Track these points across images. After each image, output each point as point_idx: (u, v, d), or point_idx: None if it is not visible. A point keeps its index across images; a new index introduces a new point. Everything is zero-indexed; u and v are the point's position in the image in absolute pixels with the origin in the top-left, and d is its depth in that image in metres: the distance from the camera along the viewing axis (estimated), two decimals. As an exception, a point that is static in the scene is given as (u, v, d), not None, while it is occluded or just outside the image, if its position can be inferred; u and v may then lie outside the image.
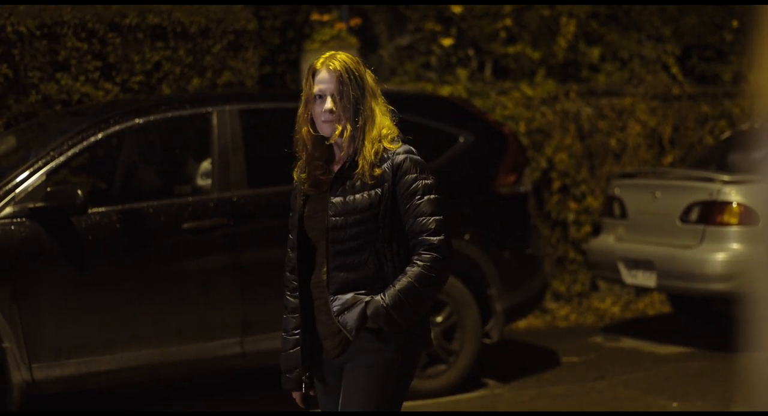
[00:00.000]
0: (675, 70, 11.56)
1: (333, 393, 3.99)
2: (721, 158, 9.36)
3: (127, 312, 6.61)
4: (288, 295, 4.06)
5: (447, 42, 11.05)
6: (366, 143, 3.84)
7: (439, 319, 7.45)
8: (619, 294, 10.66)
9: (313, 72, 3.89)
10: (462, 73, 10.84)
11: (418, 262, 3.81)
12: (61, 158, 6.63)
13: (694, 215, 8.60)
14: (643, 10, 11.74)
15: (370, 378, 3.85)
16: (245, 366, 6.99)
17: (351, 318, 3.82)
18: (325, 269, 3.88)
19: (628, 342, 9.12)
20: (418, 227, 3.83)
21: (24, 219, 6.41)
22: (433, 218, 3.83)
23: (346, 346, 3.88)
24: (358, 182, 3.85)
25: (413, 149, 3.91)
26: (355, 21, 10.78)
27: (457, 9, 11.04)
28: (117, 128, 6.87)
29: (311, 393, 4.09)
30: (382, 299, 3.79)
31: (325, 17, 10.41)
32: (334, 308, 3.85)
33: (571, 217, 10.56)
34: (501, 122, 9.03)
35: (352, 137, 3.86)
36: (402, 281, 3.80)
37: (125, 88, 8.73)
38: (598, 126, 10.81)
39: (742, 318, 2.59)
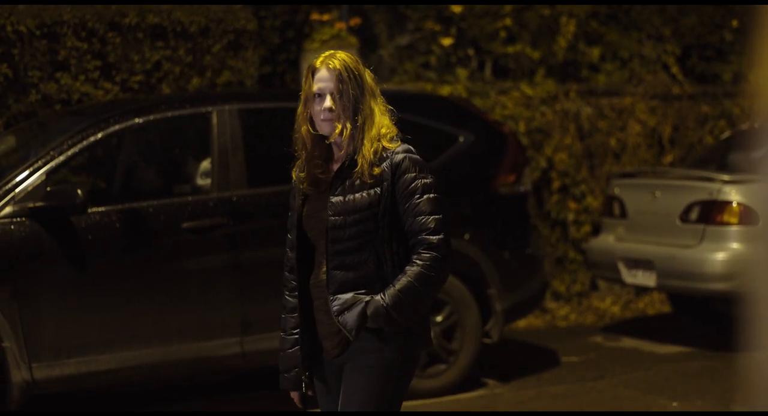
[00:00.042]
0: (675, 69, 11.56)
1: (333, 393, 3.99)
2: (721, 157, 9.36)
3: (126, 311, 6.62)
4: (287, 295, 4.06)
5: (447, 42, 11.05)
6: (365, 142, 3.84)
7: (439, 319, 7.45)
8: (618, 294, 10.66)
9: (313, 71, 3.89)
10: (462, 72, 10.84)
11: (418, 261, 3.81)
12: (61, 158, 6.63)
13: (694, 214, 8.60)
14: (643, 10, 11.74)
15: (370, 377, 3.85)
16: (245, 366, 6.99)
17: (351, 317, 3.82)
18: (324, 268, 3.88)
19: (628, 342, 9.12)
20: (418, 226, 3.83)
21: (24, 219, 6.41)
22: (432, 217, 3.83)
23: (345, 346, 3.87)
24: (358, 182, 3.84)
25: (412, 149, 3.91)
26: (355, 21, 10.78)
27: (457, 9, 11.04)
28: (117, 127, 6.87)
29: (309, 393, 4.08)
30: (382, 298, 3.79)
31: (325, 17, 10.41)
32: (334, 308, 3.85)
33: (570, 217, 10.56)
34: (501, 121, 9.03)
35: (352, 136, 3.86)
36: (402, 281, 3.80)
37: (125, 87, 8.73)
38: (598, 126, 10.81)
39: (742, 318, 2.58)
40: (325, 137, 3.90)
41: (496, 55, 11.30)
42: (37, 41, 8.38)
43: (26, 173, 6.52)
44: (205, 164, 7.24)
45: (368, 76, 3.92)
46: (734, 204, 8.36)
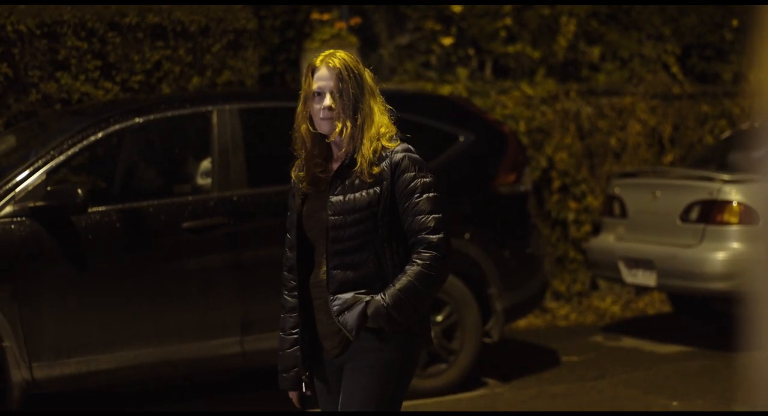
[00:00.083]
0: (675, 69, 11.57)
1: (333, 393, 3.98)
2: (721, 157, 9.36)
3: (127, 311, 6.62)
4: (286, 294, 4.06)
5: (447, 41, 11.05)
6: (365, 141, 3.84)
7: (439, 318, 7.45)
8: (619, 293, 10.66)
9: (313, 69, 3.89)
10: (462, 72, 10.83)
11: (418, 261, 3.81)
12: (61, 157, 6.63)
13: (694, 214, 8.60)
14: (643, 10, 11.74)
15: (370, 377, 3.85)
16: (245, 366, 6.99)
17: (351, 317, 3.82)
18: (324, 268, 3.88)
19: (628, 341, 9.12)
20: (417, 225, 3.83)
21: (24, 218, 6.41)
22: (432, 216, 3.82)
23: (346, 346, 3.87)
24: (357, 181, 3.84)
25: (411, 148, 3.91)
26: (355, 20, 10.78)
27: (457, 8, 11.04)
28: (117, 127, 6.87)
29: (308, 393, 4.08)
30: (382, 298, 3.79)
31: (325, 16, 10.41)
32: (334, 308, 3.84)
33: (571, 216, 10.56)
34: (501, 121, 9.03)
35: (352, 135, 3.86)
36: (402, 281, 3.79)
37: (125, 87, 8.73)
38: (598, 125, 10.81)
39: (742, 317, 2.59)
40: (324, 136, 3.90)
41: (497, 55, 11.30)
42: (38, 41, 8.38)
43: (26, 172, 6.52)
44: (206, 164, 7.24)
45: (368, 75, 3.92)
46: (734, 204, 8.36)
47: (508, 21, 11.17)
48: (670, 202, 8.82)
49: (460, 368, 7.51)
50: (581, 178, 10.62)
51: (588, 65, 11.53)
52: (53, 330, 6.42)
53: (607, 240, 9.32)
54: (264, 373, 7.04)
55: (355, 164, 3.84)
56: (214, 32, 9.11)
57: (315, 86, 3.86)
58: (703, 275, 8.46)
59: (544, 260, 8.46)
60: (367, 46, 10.89)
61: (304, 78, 3.92)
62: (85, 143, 6.72)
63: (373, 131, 3.86)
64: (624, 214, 9.25)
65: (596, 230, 10.18)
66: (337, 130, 3.84)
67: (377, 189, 3.83)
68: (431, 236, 3.81)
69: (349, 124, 3.84)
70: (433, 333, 7.18)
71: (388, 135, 3.89)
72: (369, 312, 3.79)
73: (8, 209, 6.41)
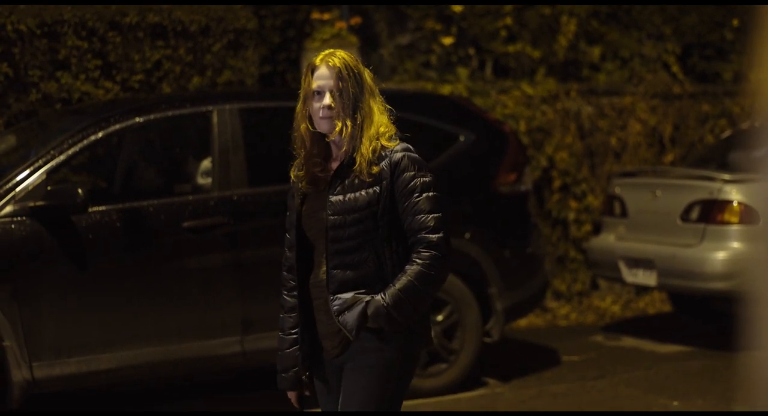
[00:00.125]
0: (675, 69, 11.56)
1: (333, 393, 3.98)
2: (721, 156, 9.36)
3: (127, 310, 6.62)
4: (285, 294, 4.05)
5: (447, 41, 11.05)
6: (364, 140, 3.83)
7: (439, 318, 7.45)
8: (619, 293, 10.66)
9: (312, 68, 3.89)
10: (462, 71, 10.83)
11: (418, 260, 3.80)
12: (62, 157, 6.63)
13: (694, 213, 8.60)
14: (644, 9, 11.74)
15: (370, 377, 3.84)
16: (245, 365, 6.99)
17: (351, 317, 3.82)
18: (324, 268, 3.87)
19: (628, 341, 9.12)
20: (417, 224, 3.82)
21: (24, 218, 6.41)
22: (431, 216, 3.82)
23: (346, 346, 3.87)
24: (357, 180, 3.84)
25: (411, 147, 3.90)
26: (356, 20, 10.78)
27: (457, 8, 11.03)
28: (117, 126, 6.87)
29: (307, 393, 4.08)
30: (382, 298, 3.78)
31: (326, 16, 10.41)
32: (334, 308, 3.84)
33: (571, 216, 10.56)
34: (501, 120, 9.02)
35: (351, 135, 3.85)
36: (402, 280, 3.79)
37: (125, 86, 8.73)
38: (599, 125, 10.81)
39: (742, 317, 2.58)
40: (324, 136, 3.90)
41: (497, 55, 11.30)
42: (38, 40, 8.38)
43: (27, 172, 6.52)
44: (206, 164, 7.24)
45: (367, 75, 3.92)
46: (735, 203, 8.36)
47: (509, 21, 11.17)
48: (670, 201, 8.82)
49: (460, 367, 7.51)
50: (582, 177, 10.62)
51: (588, 65, 11.53)
52: (53, 329, 6.42)
53: (608, 240, 9.32)
54: (264, 373, 7.03)
55: (355, 163, 3.83)
56: (214, 32, 9.11)
57: (315, 85, 3.86)
58: (703, 275, 8.46)
59: (545, 260, 8.46)
60: (367, 46, 10.89)
61: (303, 77, 3.91)
62: (85, 142, 6.72)
63: (373, 130, 3.85)
64: (624, 214, 9.25)
65: (597, 229, 10.18)
66: (337, 129, 3.84)
67: (377, 189, 3.82)
68: (431, 236, 3.81)
69: (348, 123, 3.84)
70: (433, 333, 7.19)
71: (387, 134, 3.89)
72: (369, 311, 3.79)
73: (8, 208, 6.41)
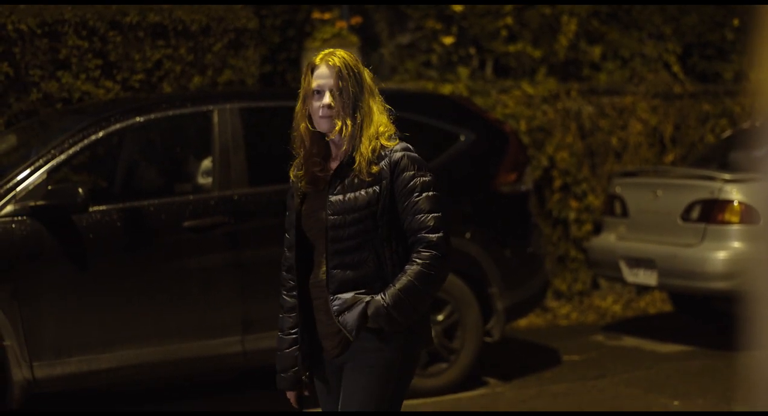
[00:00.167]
0: (676, 68, 11.56)
1: (333, 393, 3.98)
2: (722, 156, 9.36)
3: (127, 310, 6.62)
4: (284, 294, 4.05)
5: (448, 40, 11.05)
6: (363, 139, 3.83)
7: (440, 317, 7.45)
8: (620, 293, 10.66)
9: (312, 67, 3.88)
10: (463, 71, 10.83)
11: (418, 260, 3.80)
12: (62, 157, 6.63)
13: (695, 213, 8.60)
14: (644, 9, 11.74)
15: (370, 377, 3.84)
16: (246, 365, 6.99)
17: (351, 317, 3.81)
18: (324, 268, 3.87)
19: (629, 341, 9.12)
20: (417, 224, 3.82)
21: (25, 217, 6.41)
22: (431, 216, 3.82)
23: (346, 346, 3.86)
24: (356, 180, 3.83)
25: (410, 147, 3.90)
26: (356, 19, 10.78)
27: (458, 7, 11.03)
28: (118, 126, 6.87)
29: (306, 393, 4.07)
30: (382, 298, 3.78)
31: (326, 15, 10.41)
32: (334, 308, 3.84)
33: (572, 215, 10.56)
34: (502, 120, 9.03)
35: (351, 134, 3.85)
36: (402, 280, 3.79)
37: (126, 86, 8.73)
38: (600, 125, 10.81)
39: (743, 317, 2.58)
40: (323, 135, 3.90)
41: (497, 54, 11.30)
42: (38, 40, 8.38)
43: (27, 171, 6.52)
44: (206, 163, 7.24)
45: (367, 74, 3.92)
46: (735, 203, 8.36)
47: (509, 20, 11.17)
48: (671, 201, 8.82)
49: (460, 367, 7.51)
50: (582, 177, 10.62)
51: (589, 64, 11.53)
52: (54, 329, 6.42)
53: (608, 239, 9.32)
54: (265, 372, 7.03)
55: (354, 162, 3.83)
56: (215, 31, 9.11)
57: (314, 84, 3.86)
58: (704, 275, 8.46)
59: (545, 260, 8.46)
60: (367, 46, 10.89)
61: (303, 76, 3.91)
62: (86, 142, 6.72)
63: (372, 129, 3.85)
64: (625, 213, 9.24)
65: (597, 229, 10.18)
66: (337, 128, 3.84)
67: (376, 188, 3.82)
68: (431, 235, 3.80)
69: (348, 122, 3.83)
70: (434, 333, 7.21)
71: (387, 134, 3.88)
72: (369, 312, 3.79)
73: (9, 208, 6.41)
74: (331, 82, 3.84)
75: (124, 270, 6.64)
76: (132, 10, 8.76)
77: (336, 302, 3.83)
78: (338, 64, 3.85)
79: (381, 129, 3.87)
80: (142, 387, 7.68)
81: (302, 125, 3.91)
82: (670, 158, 11.02)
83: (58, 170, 6.69)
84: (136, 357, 6.61)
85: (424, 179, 3.84)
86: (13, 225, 6.39)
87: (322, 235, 3.86)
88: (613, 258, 9.16)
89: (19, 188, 6.45)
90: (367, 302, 3.80)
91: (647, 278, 8.85)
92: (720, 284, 8.41)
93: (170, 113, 7.10)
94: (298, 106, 3.93)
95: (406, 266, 3.81)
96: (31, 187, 6.47)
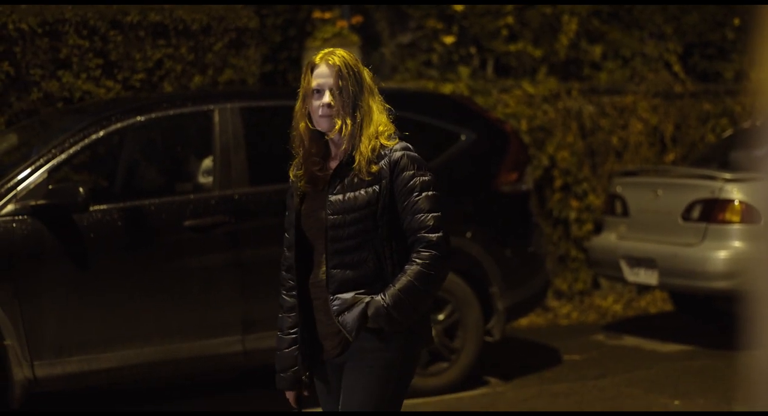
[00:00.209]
0: (677, 68, 11.56)
1: (333, 393, 3.97)
2: (722, 156, 9.35)
3: (128, 309, 6.62)
4: (284, 294, 4.05)
5: (449, 40, 11.05)
6: (363, 139, 3.82)
7: (441, 317, 7.45)
8: (620, 292, 10.66)
9: (312, 66, 3.88)
10: (464, 71, 10.83)
11: (417, 260, 3.80)
12: (63, 156, 6.63)
13: (695, 213, 8.60)
14: (645, 9, 11.74)
15: (370, 377, 3.84)
16: (247, 364, 6.99)
17: (351, 318, 3.81)
18: (323, 268, 3.86)
19: (629, 340, 9.11)
20: (417, 224, 3.82)
21: (26, 217, 6.41)
22: (431, 215, 3.81)
23: (346, 346, 3.86)
24: (356, 179, 3.83)
25: (410, 146, 3.89)
26: (357, 19, 10.78)
27: (458, 7, 11.03)
28: (119, 125, 6.87)
29: (305, 393, 4.07)
30: (382, 299, 3.77)
31: (327, 15, 10.41)
32: (334, 308, 3.83)
33: (572, 215, 10.56)
34: (503, 119, 9.03)
35: (351, 133, 3.84)
36: (402, 281, 3.78)
37: (127, 85, 8.73)
38: (600, 124, 10.81)
39: (743, 316, 2.58)
40: (322, 134, 3.89)
41: (498, 54, 11.30)
42: (39, 39, 8.38)
43: (28, 171, 6.52)
44: (207, 162, 7.24)
45: (366, 74, 3.91)
46: (736, 202, 8.36)
47: (510, 20, 11.17)
48: (671, 201, 8.82)
49: (461, 367, 7.51)
50: (583, 177, 10.62)
51: (590, 64, 11.53)
52: (55, 328, 6.42)
53: (609, 239, 9.32)
54: (265, 372, 7.03)
55: (354, 162, 3.82)
56: (215, 31, 9.12)
57: (314, 83, 3.85)
58: (704, 274, 8.46)
59: (546, 259, 8.46)
60: (368, 45, 10.88)
61: (303, 75, 3.91)
62: (86, 141, 6.72)
63: (372, 129, 3.85)
64: (626, 213, 9.24)
65: (598, 228, 10.18)
66: (337, 127, 3.83)
67: (376, 188, 3.81)
68: (430, 235, 3.80)
69: (348, 121, 3.83)
70: (434, 332, 7.19)
71: (386, 133, 3.88)
72: (369, 312, 3.78)
73: (10, 207, 6.41)
74: (330, 81, 3.84)
75: (124, 269, 6.64)
76: (133, 9, 8.76)
77: (336, 303, 3.83)
78: (338, 63, 3.84)
79: (381, 128, 3.87)
80: (142, 387, 7.68)
81: (302, 124, 3.90)
82: (670, 157, 11.02)
83: (58, 170, 6.68)
84: (136, 356, 6.61)
85: (423, 178, 3.84)
86: (14, 224, 6.39)
87: (322, 235, 3.85)
88: (613, 258, 9.16)
89: (19, 188, 6.46)
90: (367, 303, 3.79)
91: (648, 277, 8.85)
92: (721, 284, 8.40)
93: (171, 112, 7.10)
94: (298, 105, 3.93)
95: (406, 266, 3.80)
96: (31, 186, 6.47)
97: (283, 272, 4.04)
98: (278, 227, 4.35)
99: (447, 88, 10.16)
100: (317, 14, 10.42)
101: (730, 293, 8.32)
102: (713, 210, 8.46)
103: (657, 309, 10.38)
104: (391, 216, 3.83)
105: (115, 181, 7.88)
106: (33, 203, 6.41)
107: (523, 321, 9.65)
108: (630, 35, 11.65)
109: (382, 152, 3.84)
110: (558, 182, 10.53)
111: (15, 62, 8.31)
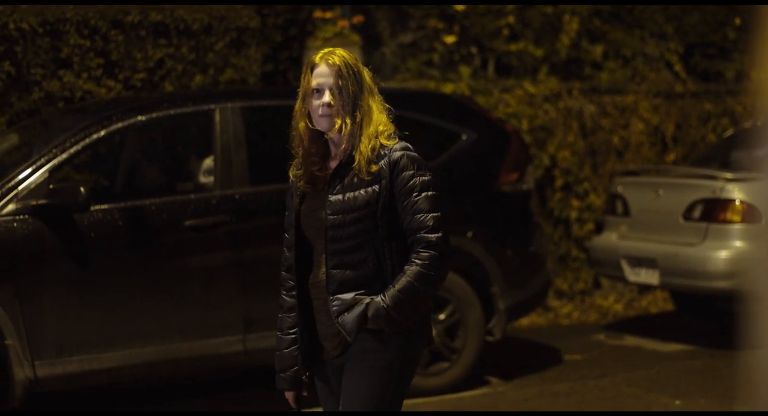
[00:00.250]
0: (678, 67, 11.56)
1: (334, 393, 3.97)
2: (723, 155, 9.35)
3: (129, 309, 6.62)
4: (284, 294, 4.04)
5: (450, 39, 11.04)
6: (363, 138, 3.82)
7: (442, 317, 7.45)
8: (621, 292, 10.66)
9: (312, 66, 3.88)
10: (465, 70, 10.83)
11: (417, 260, 3.79)
12: (64, 156, 6.63)
13: (696, 212, 8.60)
14: (646, 8, 11.74)
15: (370, 378, 3.83)
16: (247, 364, 6.99)
17: (350, 319, 3.80)
18: (323, 268, 3.86)
19: (630, 340, 9.11)
20: (416, 224, 3.81)
21: (27, 216, 6.41)
22: (430, 215, 3.81)
23: (346, 347, 3.85)
24: (356, 179, 3.82)
25: (410, 146, 3.89)
26: (358, 18, 10.78)
27: (459, 6, 11.03)
28: (119, 125, 6.87)
29: (305, 393, 4.07)
30: (382, 300, 3.77)
31: (328, 14, 10.41)
32: (333, 309, 3.83)
33: (573, 215, 10.55)
34: (504, 119, 9.02)
35: (351, 133, 3.84)
36: (401, 281, 3.78)
37: (128, 85, 8.73)
38: (601, 124, 10.81)
39: (744, 316, 2.58)
40: (322, 134, 3.89)
41: (499, 53, 11.30)
42: (40, 39, 8.38)
43: (29, 170, 6.52)
44: (208, 162, 7.24)
45: (366, 74, 3.91)
46: (737, 202, 8.35)
47: (511, 19, 11.17)
48: (672, 200, 8.81)
49: (462, 366, 7.51)
50: (584, 176, 10.61)
51: (591, 63, 11.52)
52: (56, 328, 6.42)
53: (610, 239, 9.32)
54: (266, 372, 7.02)
55: (354, 161, 3.82)
56: (216, 30, 9.12)
57: (314, 83, 3.85)
58: (705, 274, 8.45)
59: (547, 259, 8.46)
60: (369, 45, 10.88)
61: (303, 75, 3.91)
62: (87, 141, 6.72)
63: (372, 128, 3.84)
64: (627, 212, 9.24)
65: (599, 228, 10.18)
66: (336, 126, 3.83)
67: (376, 187, 3.81)
68: (430, 235, 3.80)
69: (348, 121, 3.83)
70: (435, 332, 7.21)
71: (386, 133, 3.87)
72: (369, 313, 3.78)
73: (11, 207, 6.41)
74: (330, 80, 3.83)
75: (125, 269, 6.64)
76: (134, 9, 8.76)
77: (335, 303, 3.83)
78: (338, 62, 3.84)
79: (380, 128, 3.86)
80: (143, 386, 7.68)
81: (301, 124, 3.90)
82: (671, 157, 11.02)
83: (59, 169, 6.68)
84: (137, 356, 6.61)
85: (423, 178, 3.83)
86: (15, 224, 6.39)
87: (322, 235, 3.85)
88: (614, 257, 9.15)
89: (20, 187, 6.46)
90: (367, 304, 3.79)
91: (649, 277, 8.85)
92: (722, 284, 8.40)
93: (172, 111, 7.10)
94: (298, 105, 3.92)
95: (405, 267, 3.80)
96: (32, 186, 6.47)
97: (283, 273, 4.04)
98: (279, 226, 4.36)
99: (448, 88, 10.16)
100: (318, 14, 10.42)
101: (731, 293, 8.32)
102: (714, 210, 8.46)
103: (658, 309, 10.37)
104: (391, 216, 3.83)
105: (116, 181, 7.88)
106: (34, 202, 6.41)
107: (524, 321, 9.65)
108: (631, 35, 11.65)
109: (382, 152, 3.84)
110: (559, 182, 10.53)
111: (16, 62, 8.32)
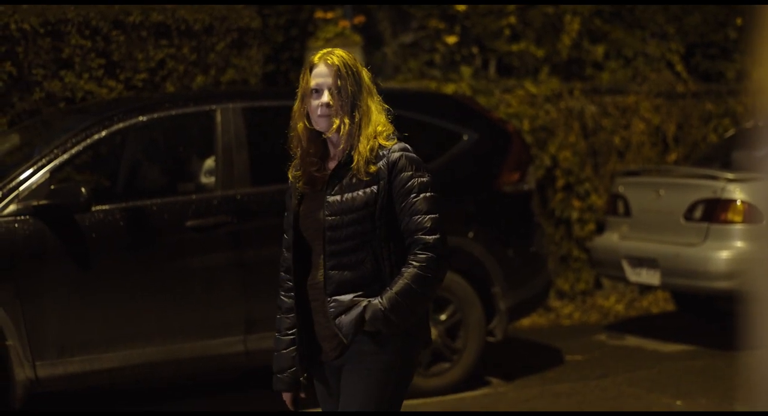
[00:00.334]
0: (679, 68, 11.56)
1: (333, 394, 3.96)
2: (725, 155, 9.35)
3: (130, 309, 6.62)
4: (282, 295, 4.04)
5: (451, 40, 11.05)
6: (362, 138, 3.81)
7: (442, 317, 7.45)
8: (623, 292, 10.66)
9: (311, 66, 3.87)
10: (466, 70, 10.83)
11: (414, 262, 3.77)
12: (65, 156, 6.63)
13: (698, 213, 8.60)
14: (647, 8, 11.74)
15: (368, 380, 3.82)
16: (248, 364, 6.98)
17: (347, 321, 3.79)
18: (321, 270, 3.86)
19: (631, 340, 9.11)
20: (414, 225, 3.80)
21: (28, 217, 6.41)
22: (428, 217, 3.80)
23: (344, 349, 3.84)
24: (354, 180, 3.81)
25: (408, 147, 3.88)
26: (359, 19, 10.78)
27: (461, 7, 11.04)
28: (121, 125, 6.87)
29: (302, 395, 4.06)
30: (380, 302, 3.75)
31: (329, 15, 10.41)
32: (330, 311, 3.82)
33: (575, 215, 10.55)
34: (505, 119, 9.02)
35: (349, 133, 3.83)
36: (399, 283, 3.77)
37: (129, 85, 8.73)
38: (602, 124, 10.81)
39: (745, 316, 2.58)
40: (321, 134, 3.89)
41: (501, 54, 11.30)
42: (41, 39, 8.39)
43: (30, 171, 6.52)
44: (209, 162, 7.24)
45: (365, 74, 3.90)
46: (738, 202, 8.35)
47: (512, 19, 11.17)
48: (673, 201, 8.82)
49: (463, 367, 7.51)
50: (585, 176, 10.62)
51: (592, 64, 11.53)
52: (57, 328, 6.42)
53: (611, 239, 9.32)
54: (267, 372, 7.02)
55: (352, 162, 3.81)
56: (218, 31, 9.12)
57: (313, 83, 3.85)
58: (706, 274, 8.45)
59: (548, 259, 8.46)
60: (370, 45, 10.89)
61: (302, 75, 3.90)
62: (88, 141, 6.72)
63: (371, 129, 3.84)
64: (628, 213, 9.24)
65: (600, 228, 10.18)
66: (335, 126, 3.82)
67: (374, 188, 3.80)
68: (427, 237, 3.78)
69: (347, 121, 3.82)
70: (436, 332, 7.22)
71: (385, 134, 3.87)
72: (367, 316, 3.77)
73: (12, 207, 6.42)
74: (329, 80, 3.83)
75: (126, 270, 6.65)
76: (135, 9, 8.77)
77: (332, 305, 3.82)
78: (337, 63, 3.84)
79: (379, 128, 3.85)
80: (144, 387, 7.69)
81: (300, 125, 3.90)
82: (672, 157, 11.02)
83: (61, 170, 6.69)
84: (138, 356, 6.61)
85: (421, 179, 3.83)
86: (16, 225, 6.39)
87: (320, 236, 3.84)
88: (615, 258, 9.15)
89: (22, 188, 6.46)
90: (365, 306, 3.78)
91: (650, 277, 8.85)
92: (723, 284, 8.40)
93: (173, 112, 7.11)
94: (296, 105, 3.92)
95: (403, 269, 3.79)
96: (34, 186, 6.47)
97: (282, 273, 4.03)
98: (280, 227, 4.36)
99: (449, 88, 10.16)
100: (319, 14, 10.42)
101: (732, 293, 8.32)
102: (715, 210, 8.46)
103: (659, 309, 10.37)
104: (389, 217, 3.82)
105: (117, 181, 7.88)
106: (35, 203, 6.41)
107: (525, 321, 9.65)
108: (632, 35, 11.65)
109: (381, 153, 3.83)
110: (560, 182, 10.53)
111: (17, 62, 8.32)
